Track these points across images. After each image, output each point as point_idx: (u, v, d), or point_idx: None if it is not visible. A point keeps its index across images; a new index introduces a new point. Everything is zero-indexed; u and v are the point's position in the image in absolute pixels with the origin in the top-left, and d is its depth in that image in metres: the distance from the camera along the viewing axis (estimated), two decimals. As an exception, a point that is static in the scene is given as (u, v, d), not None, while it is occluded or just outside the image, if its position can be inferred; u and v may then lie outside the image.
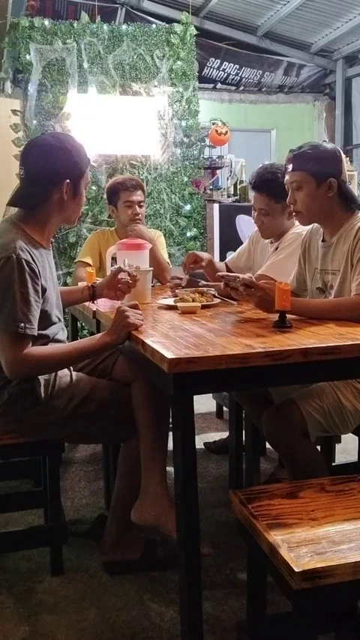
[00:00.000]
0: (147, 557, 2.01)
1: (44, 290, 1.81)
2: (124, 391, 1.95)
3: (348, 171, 2.19)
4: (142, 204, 2.97)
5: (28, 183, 1.84)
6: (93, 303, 2.23)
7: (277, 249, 2.52)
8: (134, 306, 1.81)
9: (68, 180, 1.84)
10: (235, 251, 2.93)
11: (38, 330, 1.79)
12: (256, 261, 2.69)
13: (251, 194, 2.59)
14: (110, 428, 1.95)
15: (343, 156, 2.04)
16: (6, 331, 1.71)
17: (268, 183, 2.45)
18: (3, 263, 1.71)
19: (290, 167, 1.99)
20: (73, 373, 1.95)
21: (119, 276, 2.06)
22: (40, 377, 1.85)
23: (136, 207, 2.93)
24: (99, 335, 1.84)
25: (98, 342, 1.79)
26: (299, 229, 2.46)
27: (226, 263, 2.84)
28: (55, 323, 1.92)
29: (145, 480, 1.86)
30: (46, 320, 1.86)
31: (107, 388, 1.95)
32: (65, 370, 1.93)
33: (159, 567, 1.99)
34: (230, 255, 2.95)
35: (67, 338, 2.05)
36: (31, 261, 1.75)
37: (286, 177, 2.03)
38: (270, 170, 2.49)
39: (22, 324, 1.69)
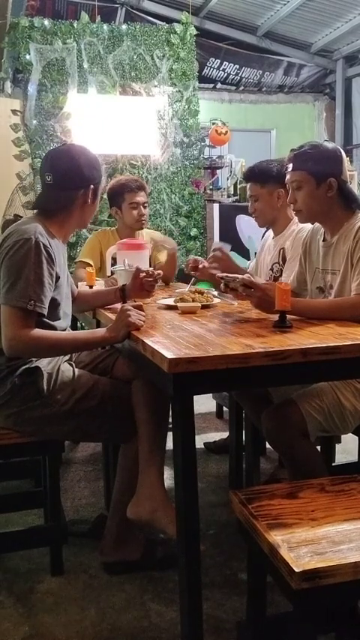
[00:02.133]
0: (147, 558, 2.00)
1: (58, 277, 1.89)
2: (126, 389, 1.95)
3: (348, 171, 2.19)
4: (146, 204, 2.97)
5: (56, 187, 1.96)
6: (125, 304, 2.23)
7: (283, 249, 2.54)
8: (138, 307, 1.83)
9: (92, 186, 1.99)
10: (236, 253, 2.96)
11: (48, 318, 1.86)
12: (265, 263, 2.70)
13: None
14: (111, 425, 1.95)
15: (344, 155, 2.04)
16: (15, 307, 1.76)
17: (252, 170, 2.62)
18: (22, 244, 1.80)
19: (290, 166, 2.00)
20: (76, 369, 1.96)
21: (140, 276, 2.12)
22: (43, 369, 1.87)
23: (142, 208, 2.93)
24: (100, 329, 1.88)
25: (97, 336, 1.85)
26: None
27: (216, 277, 2.85)
28: (61, 318, 1.96)
29: (142, 476, 1.87)
30: (55, 312, 1.91)
31: (109, 385, 1.96)
32: (67, 365, 1.95)
33: (159, 567, 1.99)
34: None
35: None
36: (49, 246, 1.85)
37: (287, 176, 2.04)
38: (257, 162, 2.65)
39: (32, 302, 1.76)
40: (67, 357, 2.02)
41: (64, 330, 1.98)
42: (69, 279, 2.12)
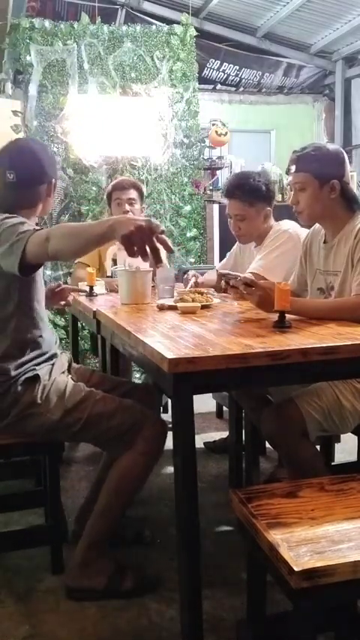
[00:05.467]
0: (111, 588, 1.88)
1: None
2: (126, 407, 1.91)
3: (350, 172, 2.20)
4: (133, 201, 2.96)
5: (21, 185, 1.90)
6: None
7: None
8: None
9: (54, 180, 1.99)
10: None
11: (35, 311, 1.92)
12: (243, 269, 2.69)
13: (226, 203, 2.65)
14: (99, 439, 1.92)
15: (346, 157, 2.05)
16: (26, 239, 1.68)
17: (240, 188, 2.50)
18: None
19: (294, 168, 2.01)
20: (70, 381, 1.96)
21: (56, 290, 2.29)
22: (41, 378, 1.88)
23: (126, 205, 2.94)
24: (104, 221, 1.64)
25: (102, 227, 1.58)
26: (286, 226, 2.50)
27: (217, 270, 2.85)
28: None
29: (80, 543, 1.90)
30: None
31: (102, 399, 1.92)
32: (63, 377, 1.96)
33: (123, 597, 1.87)
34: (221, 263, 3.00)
35: (67, 338, 2.07)
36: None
37: (290, 178, 2.06)
38: (240, 176, 2.57)
39: (34, 228, 1.72)
40: (63, 369, 2.02)
41: (46, 323, 2.02)
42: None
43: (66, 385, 1.92)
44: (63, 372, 2.00)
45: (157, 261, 1.50)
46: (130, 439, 1.85)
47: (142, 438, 1.85)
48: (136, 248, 1.46)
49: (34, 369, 1.90)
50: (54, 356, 2.02)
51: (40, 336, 1.96)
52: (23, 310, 1.90)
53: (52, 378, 1.92)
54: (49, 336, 2.02)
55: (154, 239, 1.46)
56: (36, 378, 1.88)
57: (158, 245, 1.47)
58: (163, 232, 1.49)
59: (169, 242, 1.51)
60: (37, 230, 1.71)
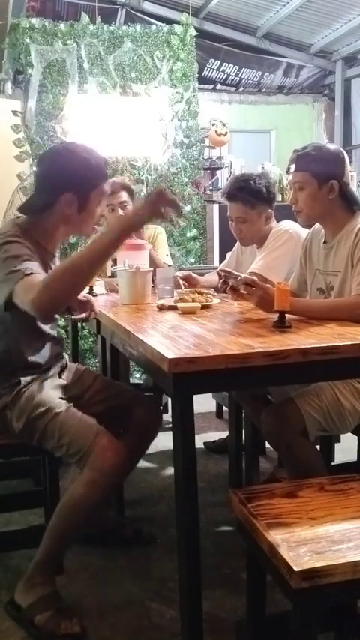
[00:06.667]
0: (30, 614, 1.74)
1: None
2: (79, 430, 1.75)
3: (350, 172, 2.19)
4: (124, 204, 2.94)
5: (37, 190, 1.88)
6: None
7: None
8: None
9: (71, 194, 1.78)
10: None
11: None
12: (244, 268, 2.70)
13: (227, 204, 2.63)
14: (62, 450, 1.78)
15: (347, 157, 2.04)
16: (15, 281, 1.61)
17: (241, 191, 2.50)
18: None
19: (293, 167, 2.02)
20: (45, 389, 1.85)
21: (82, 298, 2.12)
22: (22, 383, 1.83)
23: (119, 210, 2.92)
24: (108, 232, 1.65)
25: (113, 234, 1.61)
26: (287, 226, 2.50)
27: (218, 272, 2.85)
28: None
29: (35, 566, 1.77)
30: None
31: (66, 412, 1.78)
32: (39, 383, 1.85)
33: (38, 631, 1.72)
34: (222, 263, 3.01)
35: (67, 338, 2.06)
36: (24, 241, 1.74)
37: (290, 177, 2.06)
38: (241, 179, 2.56)
39: (25, 268, 1.61)
40: (49, 376, 1.92)
41: (54, 330, 1.97)
42: None
43: (38, 394, 1.82)
44: (47, 379, 1.89)
45: (178, 210, 1.73)
46: (79, 464, 1.73)
47: (89, 467, 1.70)
48: (163, 209, 1.67)
49: (20, 380, 1.84)
50: (48, 370, 1.93)
51: (33, 357, 1.88)
52: (13, 335, 1.83)
53: (31, 384, 1.84)
54: (47, 352, 1.93)
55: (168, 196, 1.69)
56: (18, 383, 1.83)
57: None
58: (172, 192, 1.75)
59: (179, 202, 1.74)
60: (28, 274, 1.60)
